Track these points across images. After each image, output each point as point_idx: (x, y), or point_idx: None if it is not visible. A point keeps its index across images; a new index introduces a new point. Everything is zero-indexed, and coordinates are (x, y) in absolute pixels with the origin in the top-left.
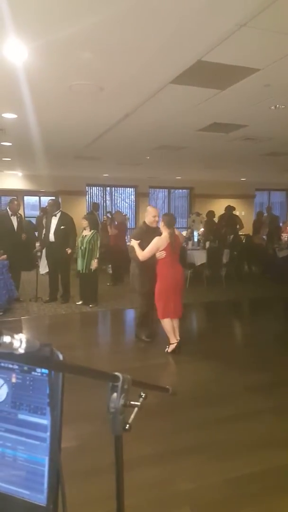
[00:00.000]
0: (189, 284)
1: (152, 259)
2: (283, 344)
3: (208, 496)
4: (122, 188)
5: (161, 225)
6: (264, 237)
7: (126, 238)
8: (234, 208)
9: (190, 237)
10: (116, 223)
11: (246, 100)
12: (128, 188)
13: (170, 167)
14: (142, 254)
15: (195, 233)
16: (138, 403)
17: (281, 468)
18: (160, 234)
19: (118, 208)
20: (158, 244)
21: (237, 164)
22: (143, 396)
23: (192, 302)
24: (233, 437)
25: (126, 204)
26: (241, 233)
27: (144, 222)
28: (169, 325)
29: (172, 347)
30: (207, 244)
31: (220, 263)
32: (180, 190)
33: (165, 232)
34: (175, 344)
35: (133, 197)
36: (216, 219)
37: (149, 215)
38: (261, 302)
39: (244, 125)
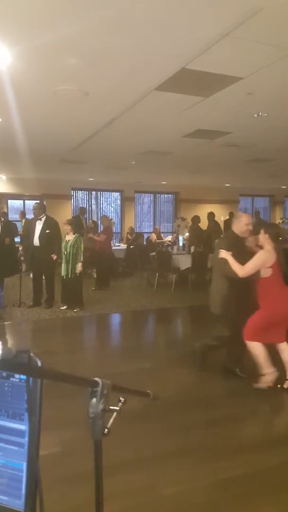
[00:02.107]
0: (174, 288)
1: (250, 278)
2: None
3: (193, 499)
4: (108, 192)
5: (263, 237)
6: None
7: (111, 242)
8: (214, 215)
9: (175, 242)
10: (99, 231)
11: (229, 108)
12: (114, 193)
13: (155, 172)
14: (243, 269)
15: (180, 238)
16: (117, 408)
17: (266, 470)
18: (247, 246)
19: (103, 212)
20: (265, 259)
21: (222, 170)
22: (122, 401)
23: (177, 307)
24: (218, 440)
25: (112, 209)
26: None
27: (233, 231)
28: (261, 350)
29: (267, 379)
30: (192, 248)
31: (205, 267)
32: (165, 195)
33: (268, 246)
34: (271, 374)
35: (119, 201)
36: (201, 225)
37: (241, 223)
38: None
39: (228, 132)
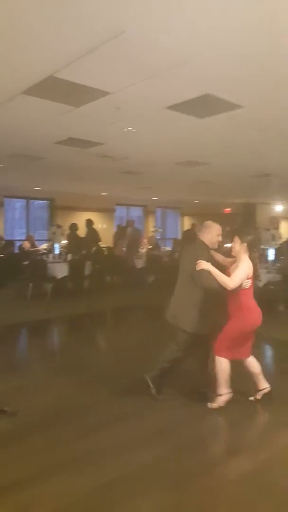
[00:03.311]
0: (51, 298)
1: (224, 291)
2: (141, 348)
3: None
4: None
5: (240, 246)
6: (123, 249)
7: None
8: (92, 222)
9: (50, 250)
10: None
11: (99, 120)
12: None
13: (27, 177)
14: (232, 281)
15: (56, 246)
16: None
17: (144, 467)
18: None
19: None
20: (249, 271)
21: (98, 179)
22: None
23: (54, 317)
24: (94, 447)
25: None
26: (103, 245)
27: (202, 241)
28: (227, 368)
29: (222, 399)
30: (69, 256)
31: (83, 275)
32: (39, 201)
33: (245, 256)
34: (227, 395)
35: None
36: (79, 232)
37: (212, 233)
38: (122, 310)
39: (100, 143)
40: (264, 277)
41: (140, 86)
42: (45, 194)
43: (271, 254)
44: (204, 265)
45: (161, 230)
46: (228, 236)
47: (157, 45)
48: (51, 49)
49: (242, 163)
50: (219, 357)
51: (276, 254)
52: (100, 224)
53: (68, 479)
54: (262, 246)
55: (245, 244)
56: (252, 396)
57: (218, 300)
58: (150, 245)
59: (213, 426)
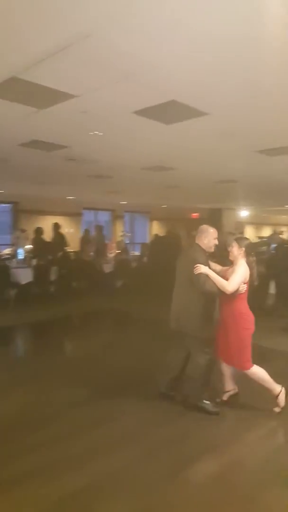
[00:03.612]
0: (15, 304)
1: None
2: (108, 353)
3: None
4: None
5: (238, 251)
6: (91, 253)
7: None
8: (59, 226)
9: (14, 255)
10: None
11: (65, 123)
12: None
13: None
14: (230, 285)
15: (20, 251)
16: None
17: (113, 473)
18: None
19: None
20: (246, 275)
21: (64, 183)
22: None
23: (18, 324)
24: (61, 455)
25: None
26: (70, 250)
27: (199, 246)
28: (263, 371)
29: (282, 396)
30: (34, 261)
31: (48, 280)
32: (2, 205)
33: (242, 260)
34: (283, 390)
35: None
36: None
37: (209, 237)
38: (89, 316)
39: (66, 146)
40: None
41: (106, 90)
42: (8, 197)
43: None
44: (203, 269)
45: (129, 234)
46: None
47: (122, 50)
48: (14, 50)
49: (209, 169)
50: (251, 369)
51: None
52: (67, 229)
53: (34, 489)
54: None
55: (243, 249)
56: (218, 398)
57: (215, 302)
58: (118, 250)
59: (181, 429)
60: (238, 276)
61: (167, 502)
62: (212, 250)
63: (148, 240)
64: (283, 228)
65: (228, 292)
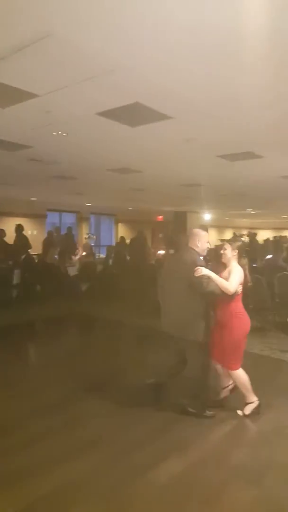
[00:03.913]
0: None
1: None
2: (72, 360)
3: None
4: None
5: (233, 253)
6: (55, 256)
7: None
8: (23, 228)
9: None
10: None
11: (27, 123)
12: None
13: None
14: (231, 285)
15: None
16: None
17: (78, 478)
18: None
19: None
20: (242, 275)
21: (28, 183)
22: None
23: None
24: (24, 463)
25: None
26: (33, 253)
27: (192, 249)
28: (246, 376)
29: (252, 406)
30: None
31: (10, 284)
32: None
33: (236, 263)
34: (257, 403)
35: None
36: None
37: (202, 240)
38: (54, 321)
39: (29, 146)
40: None
41: (69, 91)
42: None
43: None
44: (203, 271)
45: (94, 237)
46: (161, 242)
47: (85, 50)
48: None
49: (174, 172)
50: (237, 370)
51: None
52: (30, 231)
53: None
54: None
55: (237, 251)
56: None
57: (212, 306)
58: (84, 252)
59: (144, 432)
60: (237, 276)
61: (133, 504)
62: (205, 253)
63: (114, 242)
64: (244, 231)
65: (230, 293)
